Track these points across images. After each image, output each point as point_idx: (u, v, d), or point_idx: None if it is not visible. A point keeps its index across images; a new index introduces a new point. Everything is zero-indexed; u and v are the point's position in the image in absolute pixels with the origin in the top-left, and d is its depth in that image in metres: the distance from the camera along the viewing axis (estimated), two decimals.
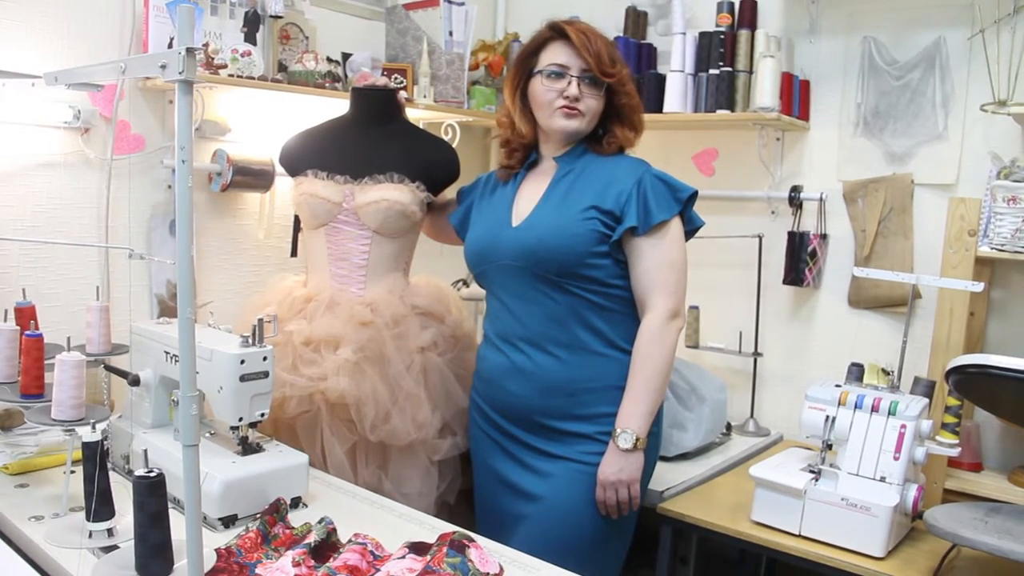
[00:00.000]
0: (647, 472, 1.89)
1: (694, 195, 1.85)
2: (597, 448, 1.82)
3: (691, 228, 1.88)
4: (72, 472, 1.53)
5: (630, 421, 1.78)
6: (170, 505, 1.34)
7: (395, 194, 2.02)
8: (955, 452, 1.93)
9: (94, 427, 1.41)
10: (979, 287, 1.99)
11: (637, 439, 1.77)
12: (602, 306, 1.83)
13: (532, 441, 1.88)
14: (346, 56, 2.61)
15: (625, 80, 1.87)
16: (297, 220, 2.25)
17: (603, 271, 1.81)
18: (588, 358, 1.83)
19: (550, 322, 1.83)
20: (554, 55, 1.86)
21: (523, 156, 1.98)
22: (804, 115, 2.60)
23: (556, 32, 1.87)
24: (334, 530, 1.43)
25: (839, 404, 1.89)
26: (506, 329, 1.90)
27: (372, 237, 2.05)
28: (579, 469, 1.83)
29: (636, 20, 2.85)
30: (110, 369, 1.85)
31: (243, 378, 1.56)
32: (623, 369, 1.83)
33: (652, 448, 1.89)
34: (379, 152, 2.08)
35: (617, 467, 1.79)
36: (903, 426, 1.80)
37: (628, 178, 1.82)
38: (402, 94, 2.21)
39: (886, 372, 2.14)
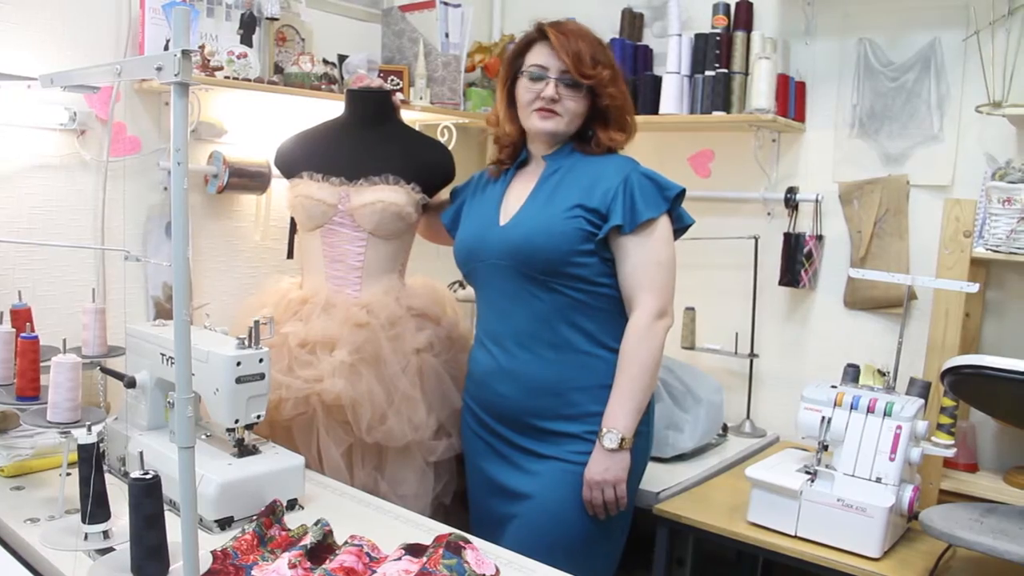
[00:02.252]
0: (637, 473, 1.89)
1: (682, 193, 1.84)
2: (586, 447, 1.82)
3: (680, 226, 1.87)
4: (68, 474, 1.53)
5: (616, 421, 1.78)
6: (166, 507, 1.33)
7: (390, 195, 2.02)
8: (951, 453, 1.94)
9: (90, 429, 1.40)
10: (974, 288, 1.99)
11: (623, 439, 1.77)
12: (589, 305, 1.83)
13: (521, 441, 1.88)
14: (342, 58, 2.61)
15: (607, 82, 1.85)
16: (293, 222, 2.25)
17: (589, 270, 1.81)
18: (575, 357, 1.84)
19: (537, 321, 1.83)
20: (536, 56, 1.86)
21: (514, 152, 1.98)
22: (800, 116, 2.60)
23: (540, 33, 1.87)
24: (330, 532, 1.43)
25: (835, 405, 1.89)
26: (494, 329, 1.91)
27: (368, 239, 2.05)
28: (567, 468, 1.83)
29: (632, 22, 2.85)
30: (106, 371, 1.84)
31: (239, 380, 1.56)
32: (610, 368, 1.82)
33: (642, 449, 1.89)
34: (374, 154, 2.08)
35: (603, 467, 1.78)
36: (899, 427, 1.80)
37: (615, 176, 1.81)
38: (398, 96, 2.20)
39: (882, 373, 2.14)
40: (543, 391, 1.84)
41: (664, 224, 1.82)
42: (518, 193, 1.92)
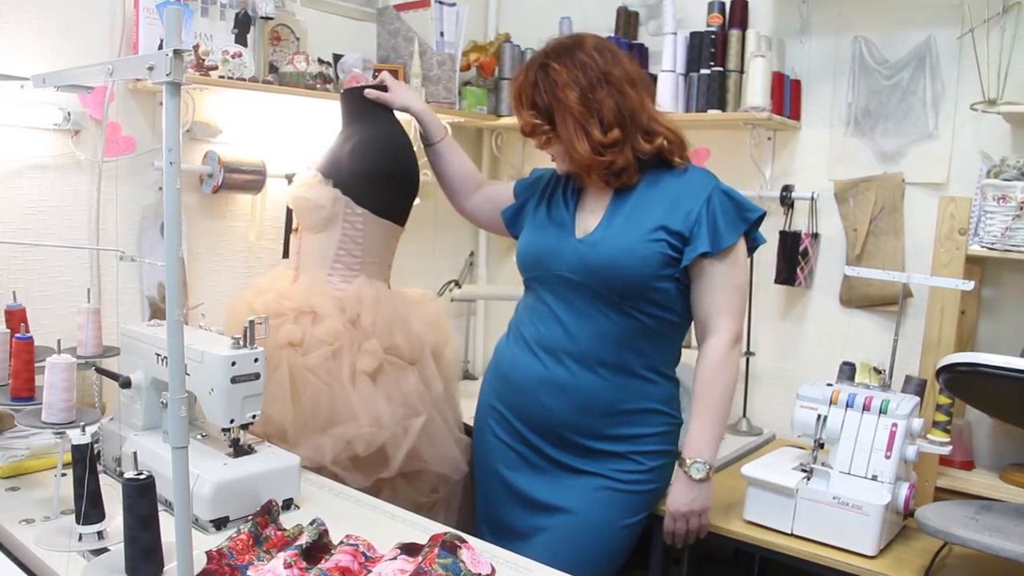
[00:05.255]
0: (666, 483, 1.88)
1: (762, 217, 1.80)
2: (628, 466, 1.81)
3: (753, 246, 1.84)
4: (63, 475, 1.52)
5: (702, 450, 1.76)
6: (162, 508, 1.33)
7: (300, 188, 2.06)
8: (946, 450, 1.94)
9: (84, 430, 1.40)
10: (970, 286, 1.99)
11: (710, 468, 1.76)
12: (655, 330, 1.80)
13: (557, 455, 1.85)
14: (337, 57, 2.60)
15: (555, 112, 1.75)
16: (288, 221, 2.25)
17: (664, 295, 1.77)
18: (631, 381, 1.81)
19: (602, 341, 1.78)
20: None
21: None
22: (795, 115, 2.60)
23: None
24: (326, 531, 1.43)
25: (831, 403, 1.89)
26: (551, 339, 1.83)
27: (304, 233, 2.10)
28: (608, 485, 1.82)
29: (627, 20, 2.85)
30: (101, 371, 1.85)
31: (234, 380, 1.56)
32: (662, 392, 1.83)
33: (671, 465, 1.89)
34: (330, 151, 2.12)
35: (689, 497, 1.77)
36: (894, 425, 1.81)
37: (698, 196, 1.75)
38: (384, 79, 2.15)
39: (877, 371, 2.15)
40: (595, 410, 1.81)
41: (742, 247, 1.78)
42: (594, 205, 1.85)
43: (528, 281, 1.93)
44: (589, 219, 1.84)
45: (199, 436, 1.73)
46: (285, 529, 1.48)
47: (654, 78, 2.61)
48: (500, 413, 1.93)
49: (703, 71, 2.55)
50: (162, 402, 1.71)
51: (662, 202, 1.77)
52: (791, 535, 1.86)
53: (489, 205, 2.11)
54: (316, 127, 2.51)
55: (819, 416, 1.89)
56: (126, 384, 1.71)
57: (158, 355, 1.66)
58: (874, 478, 1.80)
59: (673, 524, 1.80)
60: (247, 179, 2.37)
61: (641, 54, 2.79)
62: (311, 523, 1.44)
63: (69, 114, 2.04)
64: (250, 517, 1.49)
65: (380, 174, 2.06)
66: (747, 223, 1.77)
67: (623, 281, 1.74)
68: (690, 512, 1.78)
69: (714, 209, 1.74)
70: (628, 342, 1.79)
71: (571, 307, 1.81)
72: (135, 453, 1.34)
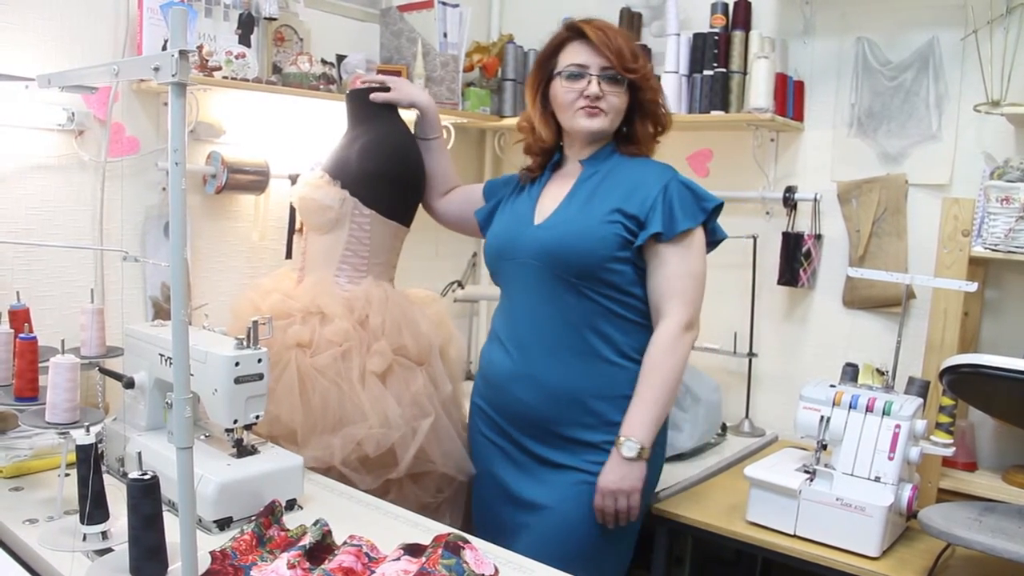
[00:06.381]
0: (651, 482, 1.87)
1: (720, 206, 1.82)
2: (603, 458, 1.81)
3: (713, 239, 1.85)
4: (67, 475, 1.52)
5: (635, 430, 1.76)
6: (165, 508, 1.33)
7: (307, 189, 2.05)
8: (949, 452, 1.94)
9: (88, 430, 1.40)
10: (973, 287, 1.99)
11: (642, 449, 1.75)
12: (617, 314, 1.81)
13: (537, 449, 1.86)
14: (340, 58, 2.60)
15: (649, 75, 1.85)
16: (291, 222, 2.25)
17: (621, 277, 1.79)
18: (599, 366, 1.81)
19: (564, 326, 1.81)
20: (573, 55, 1.83)
21: (545, 160, 1.96)
22: (798, 116, 2.60)
23: (574, 32, 1.85)
24: (329, 532, 1.43)
25: (833, 404, 1.89)
26: (517, 332, 1.87)
27: (309, 233, 2.11)
28: (584, 479, 1.81)
29: (630, 21, 2.85)
30: (105, 372, 1.84)
31: (237, 380, 1.56)
32: (633, 379, 1.81)
33: (658, 457, 1.88)
34: (334, 151, 2.13)
35: (618, 475, 1.76)
36: (897, 426, 1.81)
37: (655, 183, 1.79)
38: (383, 93, 2.15)
39: (880, 372, 2.15)
40: (565, 399, 1.81)
41: (700, 236, 1.80)
42: (554, 194, 1.89)
43: (494, 276, 1.97)
44: (548, 206, 1.88)
45: (202, 436, 1.73)
46: (288, 529, 1.48)
47: (657, 79, 2.61)
48: (484, 411, 1.96)
49: (706, 72, 2.55)
50: (167, 402, 1.71)
51: (620, 189, 1.81)
52: (794, 536, 1.86)
53: (459, 205, 2.15)
54: (319, 128, 2.51)
55: (822, 417, 1.90)
56: (129, 384, 1.71)
57: (161, 355, 1.66)
58: (877, 479, 1.80)
59: (602, 500, 1.79)
60: (250, 179, 2.38)
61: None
62: (314, 523, 1.44)
63: (73, 114, 2.05)
64: (253, 517, 1.49)
65: (388, 175, 2.07)
66: (704, 213, 1.80)
67: (578, 261, 1.77)
68: (618, 491, 1.77)
69: (671, 196, 1.77)
70: (591, 326, 1.80)
71: (531, 294, 1.84)
72: (139, 453, 1.34)
